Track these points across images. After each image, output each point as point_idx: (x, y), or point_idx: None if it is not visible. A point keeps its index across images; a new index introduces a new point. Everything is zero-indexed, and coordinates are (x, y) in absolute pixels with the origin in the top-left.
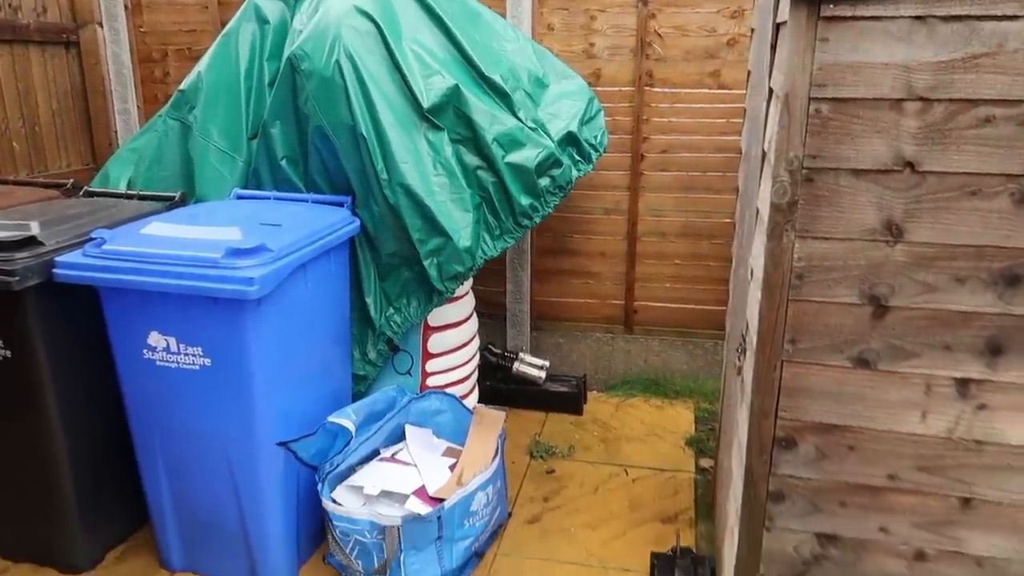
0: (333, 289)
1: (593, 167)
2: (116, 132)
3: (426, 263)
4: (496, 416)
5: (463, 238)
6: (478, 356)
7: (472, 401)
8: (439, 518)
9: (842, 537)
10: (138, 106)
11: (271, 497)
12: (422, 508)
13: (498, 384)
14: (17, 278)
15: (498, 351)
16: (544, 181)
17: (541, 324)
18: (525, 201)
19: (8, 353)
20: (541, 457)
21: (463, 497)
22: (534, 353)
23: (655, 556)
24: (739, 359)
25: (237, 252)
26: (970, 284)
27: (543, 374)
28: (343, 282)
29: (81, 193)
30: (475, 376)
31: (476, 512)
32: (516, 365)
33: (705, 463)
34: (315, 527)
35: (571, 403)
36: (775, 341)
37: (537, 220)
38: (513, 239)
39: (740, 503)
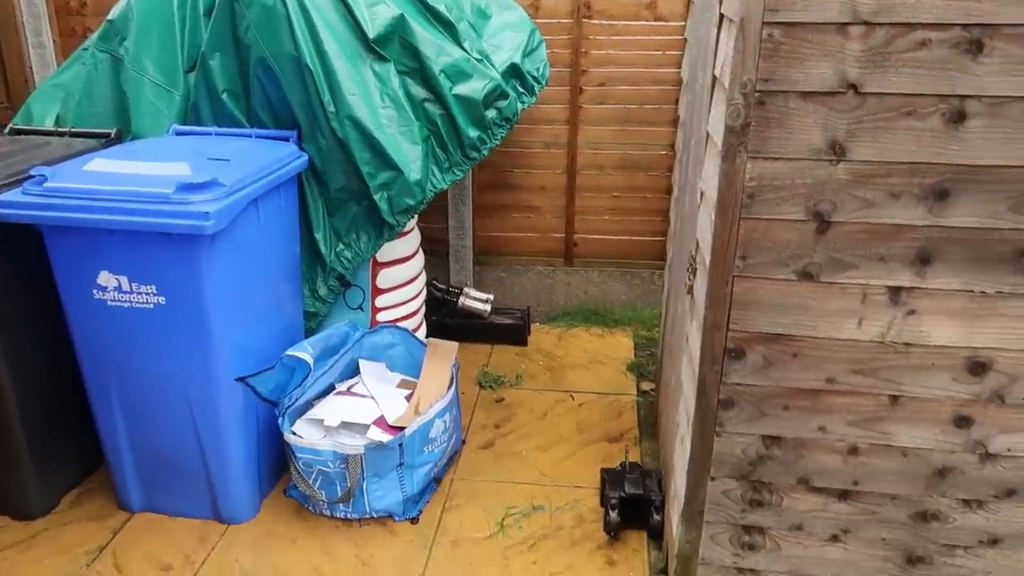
0: (284, 225)
1: (536, 99)
2: (31, 68)
3: (376, 197)
4: (449, 347)
5: (413, 171)
6: (425, 291)
7: (420, 335)
8: (400, 445)
9: (785, 438)
10: (54, 40)
11: (232, 433)
12: (383, 436)
13: (444, 319)
14: None
15: (443, 286)
16: (491, 113)
17: (484, 259)
18: (473, 133)
19: None
20: (490, 387)
21: (422, 425)
22: (478, 287)
23: (605, 472)
24: (689, 279)
25: (189, 187)
26: (904, 199)
27: (488, 307)
28: (293, 218)
29: (5, 131)
30: (423, 311)
31: (435, 439)
32: (461, 300)
33: (646, 386)
34: (275, 461)
35: (516, 335)
36: (727, 258)
37: (485, 152)
38: (462, 172)
39: (692, 412)
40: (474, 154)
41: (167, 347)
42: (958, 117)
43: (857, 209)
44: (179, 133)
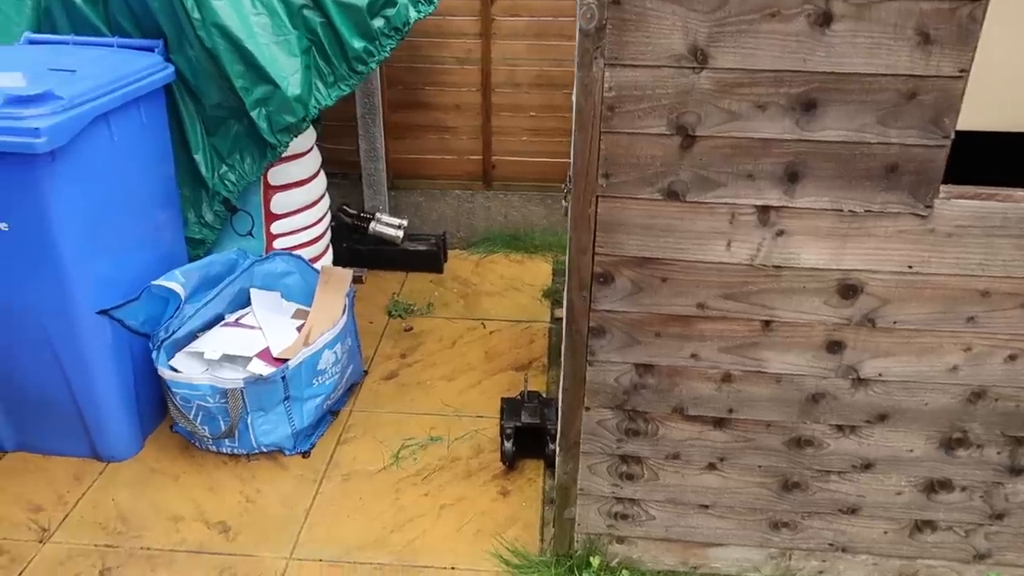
0: (149, 144)
1: (434, 8)
2: None
3: (253, 114)
4: (343, 274)
5: (292, 85)
6: (329, 216)
7: (326, 263)
8: (283, 378)
9: (658, 366)
10: None
11: (101, 369)
12: (265, 369)
13: (355, 245)
14: None
15: (353, 212)
16: (378, 22)
17: (399, 183)
18: (358, 44)
19: None
20: (400, 316)
21: (309, 356)
22: (393, 213)
23: (504, 400)
24: (565, 200)
25: (19, 100)
26: (770, 111)
27: (401, 233)
28: (161, 136)
29: None
30: (327, 237)
31: (325, 371)
32: (373, 225)
33: (559, 313)
34: (158, 397)
35: (431, 261)
36: (589, 176)
37: (373, 66)
38: (348, 87)
39: (564, 341)
40: (361, 67)
41: (17, 278)
42: (824, 19)
43: (723, 122)
44: (32, 42)
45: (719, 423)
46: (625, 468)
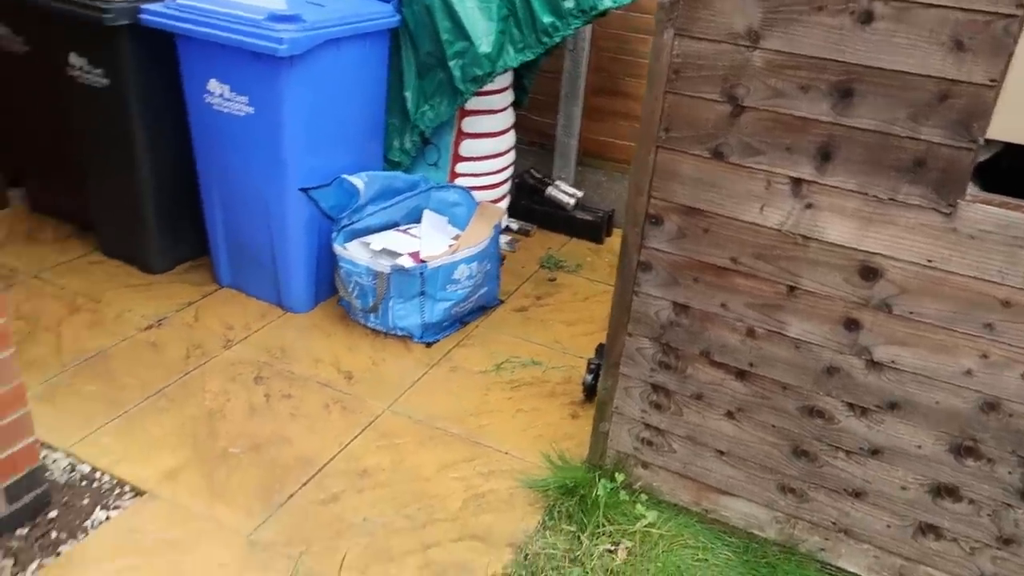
0: (367, 72)
1: (632, 1)
2: None
3: (451, 64)
4: (496, 210)
5: (484, 44)
6: (511, 171)
7: (502, 209)
8: (422, 275)
9: (692, 308)
10: None
11: (296, 239)
12: (409, 263)
13: (532, 204)
14: (111, 15)
15: (538, 175)
16: (568, 3)
17: (587, 160)
18: (547, 19)
19: (107, 81)
20: (549, 268)
21: (446, 264)
22: (576, 187)
23: (600, 345)
24: None
25: (276, 17)
26: (811, 93)
27: (572, 201)
28: (379, 68)
29: None
30: (506, 188)
31: (459, 281)
32: (550, 190)
33: None
34: (332, 278)
35: (593, 231)
36: (653, 128)
37: (557, 39)
38: (533, 53)
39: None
40: (545, 39)
41: (252, 152)
42: (865, 17)
43: (768, 97)
44: None
45: (740, 374)
46: (655, 397)
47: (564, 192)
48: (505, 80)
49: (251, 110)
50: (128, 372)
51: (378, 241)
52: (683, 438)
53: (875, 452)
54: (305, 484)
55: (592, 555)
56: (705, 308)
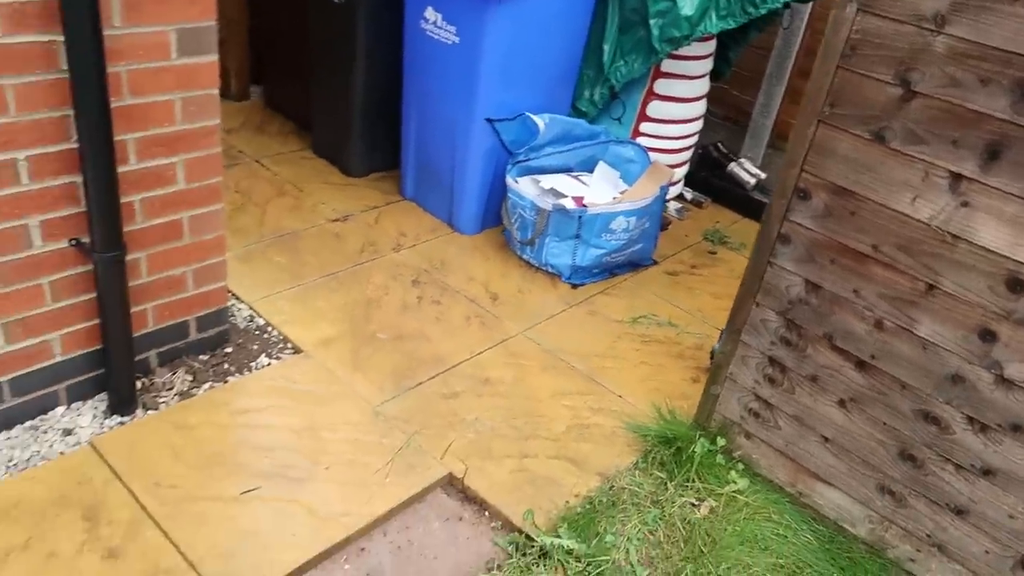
0: (572, 19)
1: None
2: None
3: (651, 22)
4: (666, 171)
5: (687, 6)
6: (696, 139)
7: (677, 178)
8: (580, 217)
9: (823, 289)
10: None
11: (474, 164)
12: (570, 205)
13: (711, 177)
14: None
15: (724, 150)
16: None
17: (780, 144)
18: None
19: None
20: (712, 241)
21: (605, 212)
22: (761, 168)
23: None
24: None
25: None
26: (990, 87)
27: (753, 182)
28: (583, 17)
29: None
30: (686, 156)
31: (615, 232)
32: (732, 166)
33: None
34: (500, 208)
35: None
36: (817, 101)
37: (763, 11)
38: (735, 22)
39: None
40: (751, 8)
41: (451, 80)
42: None
43: (943, 86)
44: None
45: (860, 365)
46: (770, 371)
47: (747, 171)
48: (707, 48)
49: (457, 39)
50: (311, 253)
51: (548, 180)
52: (790, 417)
53: (987, 472)
54: (433, 377)
55: (674, 503)
56: (837, 291)
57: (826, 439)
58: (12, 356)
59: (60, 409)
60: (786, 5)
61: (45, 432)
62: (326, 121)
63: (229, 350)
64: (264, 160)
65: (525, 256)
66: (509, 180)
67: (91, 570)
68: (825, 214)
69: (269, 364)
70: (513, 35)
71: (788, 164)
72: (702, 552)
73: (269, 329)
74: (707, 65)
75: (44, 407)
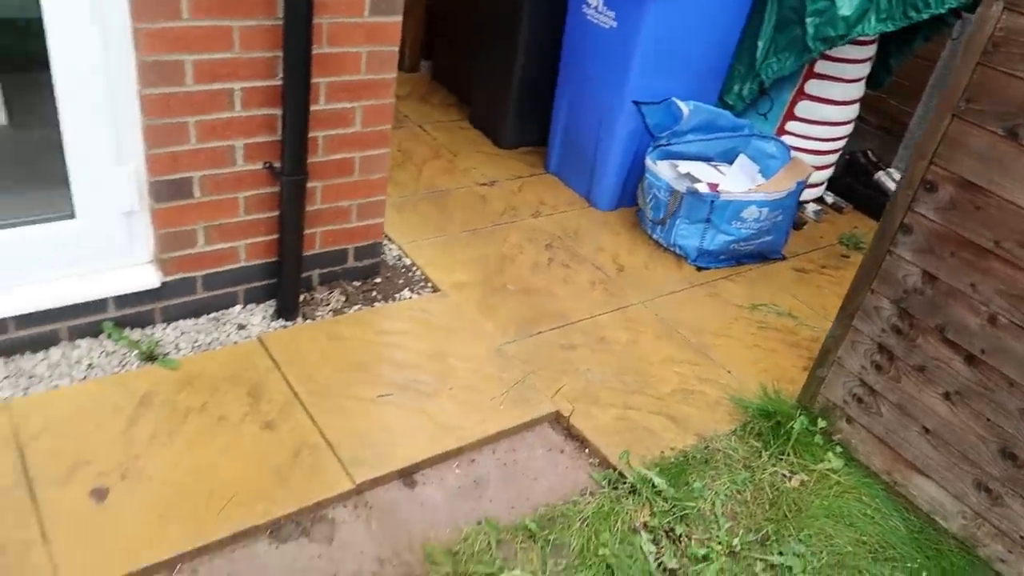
0: (729, 13)
1: None
2: None
3: (808, 20)
4: (806, 167)
5: (845, 7)
6: (843, 144)
7: (819, 180)
8: (712, 202)
9: (940, 280)
10: None
11: (617, 144)
12: (704, 189)
13: (855, 184)
14: None
15: (873, 159)
16: None
17: None
18: None
19: None
20: (846, 245)
21: (738, 200)
22: None
23: None
24: None
25: None
26: None
27: None
28: (740, 12)
29: None
30: (831, 160)
31: (745, 220)
32: (879, 175)
33: None
34: (636, 189)
35: None
36: (954, 96)
37: (925, 15)
38: (895, 25)
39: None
40: (912, 13)
41: (605, 63)
42: None
43: None
44: None
45: (970, 359)
46: (878, 358)
47: (895, 181)
48: (866, 52)
49: (615, 24)
50: (457, 210)
51: (685, 166)
52: (893, 405)
53: None
54: (553, 329)
55: (766, 470)
56: (953, 284)
57: (927, 430)
58: (208, 255)
59: (237, 308)
60: (956, 13)
61: (224, 324)
62: (485, 96)
63: (378, 280)
64: (425, 126)
65: (655, 235)
66: (648, 161)
67: (251, 435)
68: (949, 207)
69: (410, 297)
70: (669, 24)
71: (918, 156)
72: (786, 516)
73: (414, 269)
74: (864, 70)
75: (226, 304)
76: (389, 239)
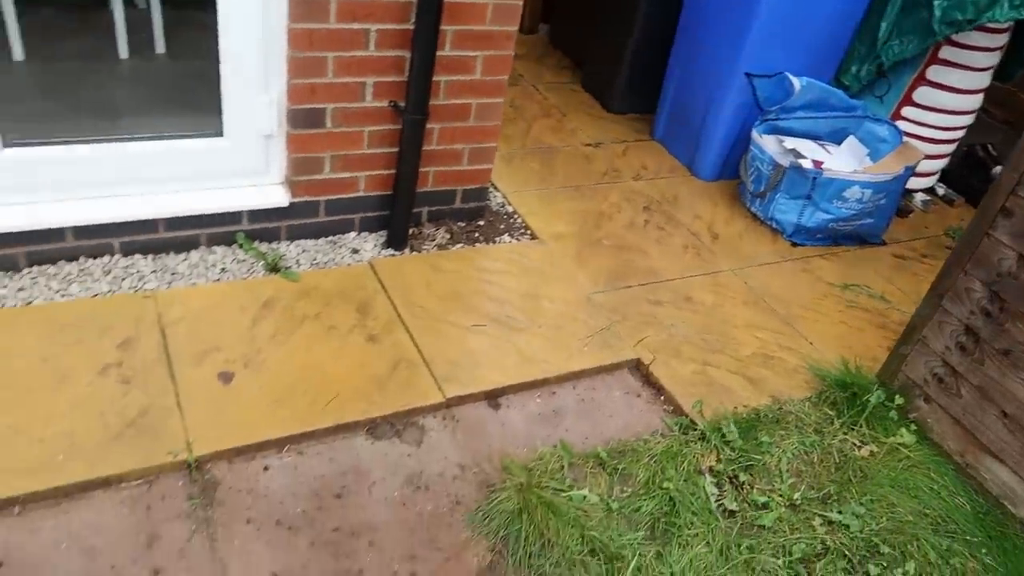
0: None
1: None
2: None
3: (935, 3)
4: (916, 152)
5: None
6: (961, 135)
7: (934, 169)
8: (814, 179)
9: None
10: None
11: (725, 115)
12: (807, 165)
13: (970, 178)
14: None
15: (994, 153)
16: None
17: None
18: None
19: None
20: (952, 237)
21: (841, 179)
22: None
23: None
24: None
25: None
26: None
27: None
28: None
29: None
30: (946, 150)
31: (847, 200)
32: (997, 169)
33: None
34: (739, 161)
35: None
36: None
37: None
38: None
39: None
40: None
41: (722, 32)
42: None
43: None
44: None
45: None
46: (963, 339)
47: None
48: (996, 40)
49: None
50: (562, 166)
51: (791, 142)
52: (974, 387)
53: None
54: (642, 285)
55: (836, 436)
56: None
57: (1005, 415)
58: (332, 182)
59: (352, 234)
60: None
61: (340, 247)
62: (599, 61)
63: (481, 223)
64: (538, 86)
65: (753, 208)
66: (754, 134)
67: (356, 344)
68: None
69: (510, 242)
70: (785, 5)
71: (1022, 150)
72: (850, 481)
73: (515, 216)
74: (993, 59)
75: (343, 229)
76: (494, 187)
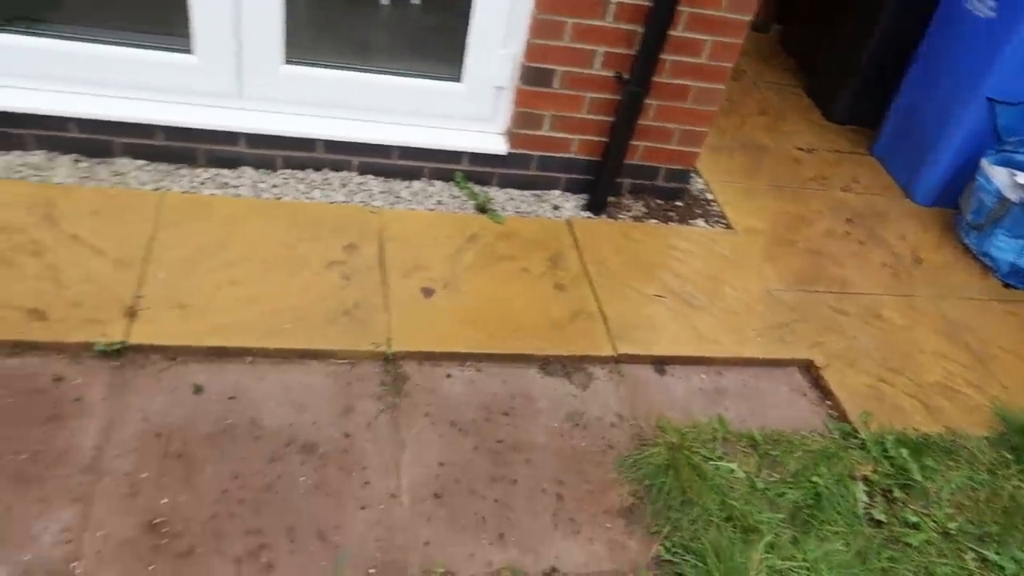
0: None
1: None
2: None
3: None
4: None
5: None
6: None
7: None
8: None
9: None
10: None
11: (958, 139)
12: None
13: None
14: None
15: None
16: None
17: None
18: None
19: None
20: None
21: None
22: None
23: None
24: None
25: None
26: None
27: None
28: None
29: None
30: None
31: None
32: None
33: None
34: (961, 190)
35: None
36: None
37: None
38: None
39: None
40: None
41: (970, 52)
42: None
43: None
44: None
45: None
46: None
47: None
48: None
49: (993, 15)
50: (769, 165)
51: None
52: None
53: None
54: (830, 292)
55: (1010, 480)
56: None
57: None
58: (548, 140)
59: (556, 192)
60: None
61: (543, 202)
62: (828, 68)
63: (678, 204)
64: (759, 84)
65: (967, 240)
66: (984, 162)
67: (544, 288)
68: None
69: (703, 227)
70: None
71: None
72: (1016, 527)
73: (713, 204)
74: None
75: (549, 185)
76: (697, 173)
